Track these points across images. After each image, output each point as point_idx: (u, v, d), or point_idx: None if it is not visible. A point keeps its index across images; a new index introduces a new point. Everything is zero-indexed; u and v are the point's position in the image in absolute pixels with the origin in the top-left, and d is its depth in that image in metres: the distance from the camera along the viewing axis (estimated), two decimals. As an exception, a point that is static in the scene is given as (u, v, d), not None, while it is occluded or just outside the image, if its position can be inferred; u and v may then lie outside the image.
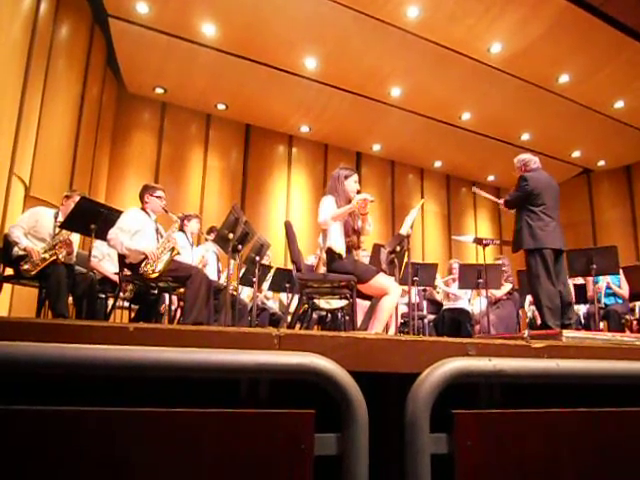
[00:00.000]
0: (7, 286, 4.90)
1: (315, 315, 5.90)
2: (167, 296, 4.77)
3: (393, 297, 3.44)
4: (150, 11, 7.04)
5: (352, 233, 3.66)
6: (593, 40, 7.48)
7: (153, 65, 8.25)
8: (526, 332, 4.30)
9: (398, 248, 4.44)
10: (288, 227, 4.16)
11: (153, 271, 3.89)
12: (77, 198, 4.23)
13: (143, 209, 4.34)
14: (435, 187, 12.46)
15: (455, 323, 6.79)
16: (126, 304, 5.15)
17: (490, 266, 6.28)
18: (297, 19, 7.15)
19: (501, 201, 4.70)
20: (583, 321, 6.62)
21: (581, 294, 6.51)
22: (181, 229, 5.22)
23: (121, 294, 4.50)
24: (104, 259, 4.99)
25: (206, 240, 5.82)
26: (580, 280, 6.54)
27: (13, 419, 0.93)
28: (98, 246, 4.80)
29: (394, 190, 11.86)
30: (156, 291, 4.51)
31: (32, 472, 0.93)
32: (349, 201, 3.59)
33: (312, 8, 6.93)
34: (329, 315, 5.85)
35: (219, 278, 5.58)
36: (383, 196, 11.50)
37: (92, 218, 4.06)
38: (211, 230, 5.88)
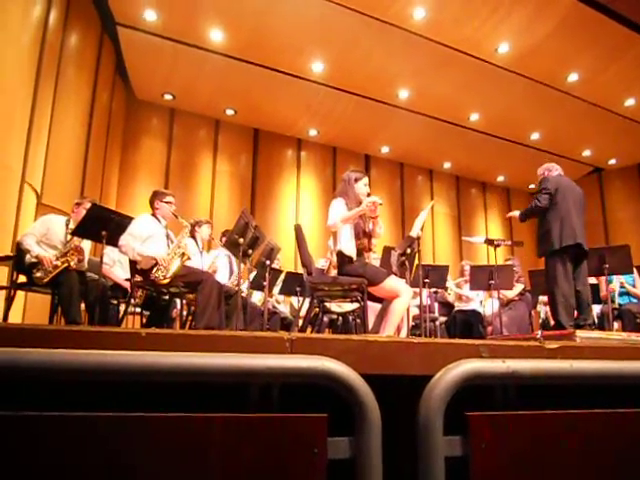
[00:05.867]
0: (20, 293, 4.94)
1: (326, 318, 5.88)
2: (178, 301, 4.78)
3: (404, 299, 3.43)
4: (158, 18, 7.10)
5: (363, 236, 3.66)
6: (601, 38, 7.44)
7: (161, 72, 8.31)
8: (539, 333, 4.26)
9: (409, 250, 4.43)
10: (298, 231, 4.15)
11: (164, 277, 3.91)
12: (88, 205, 4.26)
13: (153, 215, 4.36)
14: (445, 188, 12.41)
15: (467, 325, 6.75)
16: (138, 310, 5.17)
17: (501, 267, 6.24)
18: (303, 23, 7.17)
19: (516, 213, 4.75)
20: (597, 321, 6.55)
21: (594, 294, 6.43)
22: (192, 235, 5.23)
23: (132, 300, 4.52)
24: (114, 265, 5.02)
25: (218, 245, 5.82)
26: (593, 280, 6.47)
27: (24, 425, 0.94)
28: (108, 252, 4.82)
29: (403, 192, 11.83)
30: (167, 296, 4.53)
31: (42, 477, 0.94)
32: (359, 204, 3.59)
33: (318, 12, 6.95)
34: (340, 318, 5.84)
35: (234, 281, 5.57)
36: (393, 198, 11.48)
37: (103, 225, 4.07)
38: (224, 235, 5.87)
